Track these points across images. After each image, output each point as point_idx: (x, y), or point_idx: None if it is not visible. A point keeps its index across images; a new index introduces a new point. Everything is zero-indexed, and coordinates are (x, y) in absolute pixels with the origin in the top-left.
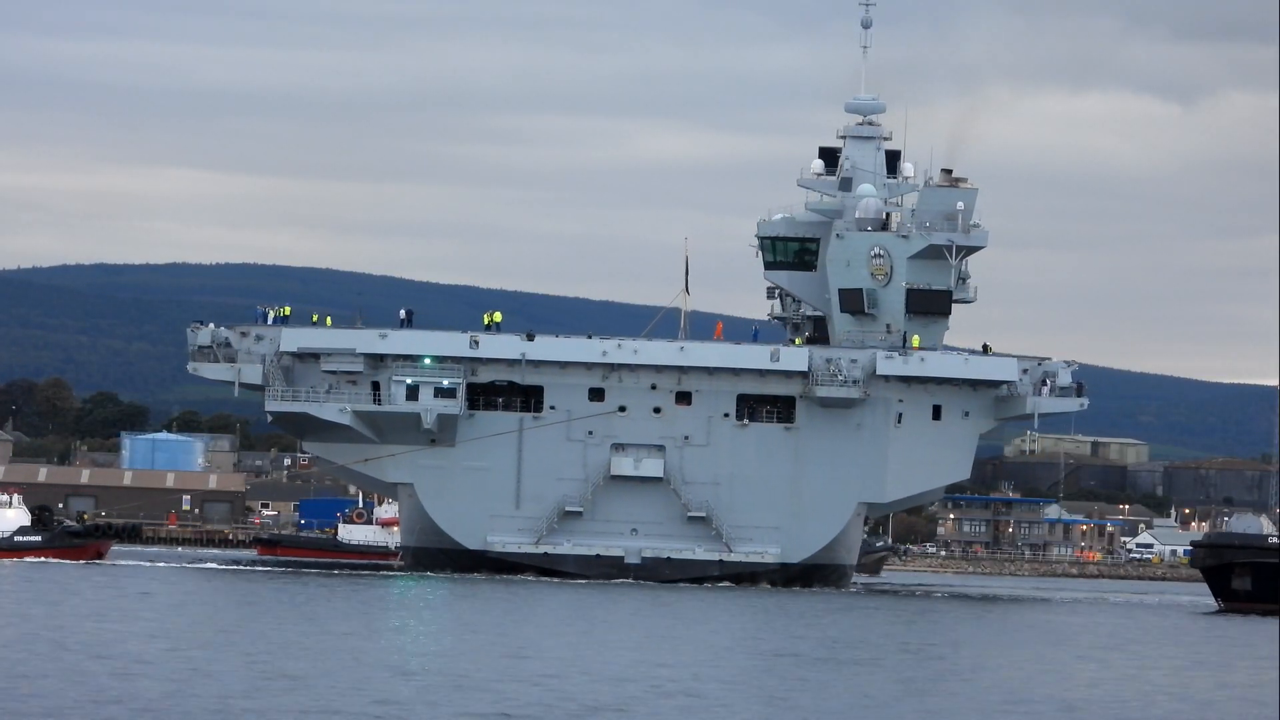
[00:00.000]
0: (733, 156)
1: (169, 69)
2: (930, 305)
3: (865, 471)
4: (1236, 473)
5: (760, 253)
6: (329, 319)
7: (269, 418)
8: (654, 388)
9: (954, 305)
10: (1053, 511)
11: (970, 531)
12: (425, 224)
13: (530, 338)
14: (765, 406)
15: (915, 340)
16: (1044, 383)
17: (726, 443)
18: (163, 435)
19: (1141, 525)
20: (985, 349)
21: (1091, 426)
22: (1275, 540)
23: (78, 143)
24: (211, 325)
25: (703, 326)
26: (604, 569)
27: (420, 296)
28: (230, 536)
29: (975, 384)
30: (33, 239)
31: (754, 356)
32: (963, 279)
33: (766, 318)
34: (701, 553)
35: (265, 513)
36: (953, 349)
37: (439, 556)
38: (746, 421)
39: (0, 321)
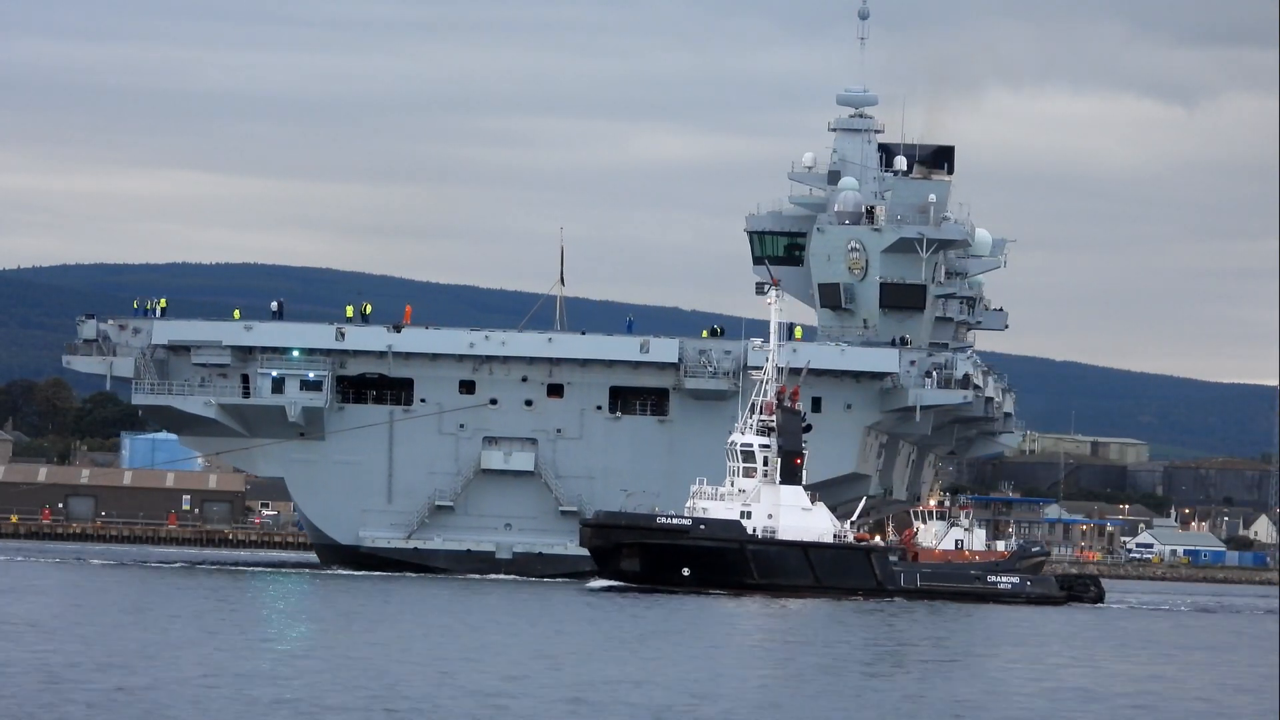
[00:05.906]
0: (734, 158)
1: (170, 71)
2: (903, 299)
3: None
4: (1236, 473)
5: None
6: (237, 312)
7: (139, 411)
8: (525, 380)
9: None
10: (1053, 511)
11: None
12: (425, 224)
13: (397, 329)
14: (638, 399)
15: (798, 331)
16: (929, 374)
17: (599, 436)
18: (163, 435)
19: (1141, 525)
20: (905, 341)
21: (1092, 426)
22: (663, 521)
23: (79, 143)
24: (110, 320)
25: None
26: (475, 565)
27: (420, 296)
28: (230, 537)
29: (858, 376)
30: (33, 239)
31: (624, 348)
32: (957, 274)
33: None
34: (574, 547)
35: (265, 513)
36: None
37: (323, 552)
38: (619, 414)
39: (0, 321)
